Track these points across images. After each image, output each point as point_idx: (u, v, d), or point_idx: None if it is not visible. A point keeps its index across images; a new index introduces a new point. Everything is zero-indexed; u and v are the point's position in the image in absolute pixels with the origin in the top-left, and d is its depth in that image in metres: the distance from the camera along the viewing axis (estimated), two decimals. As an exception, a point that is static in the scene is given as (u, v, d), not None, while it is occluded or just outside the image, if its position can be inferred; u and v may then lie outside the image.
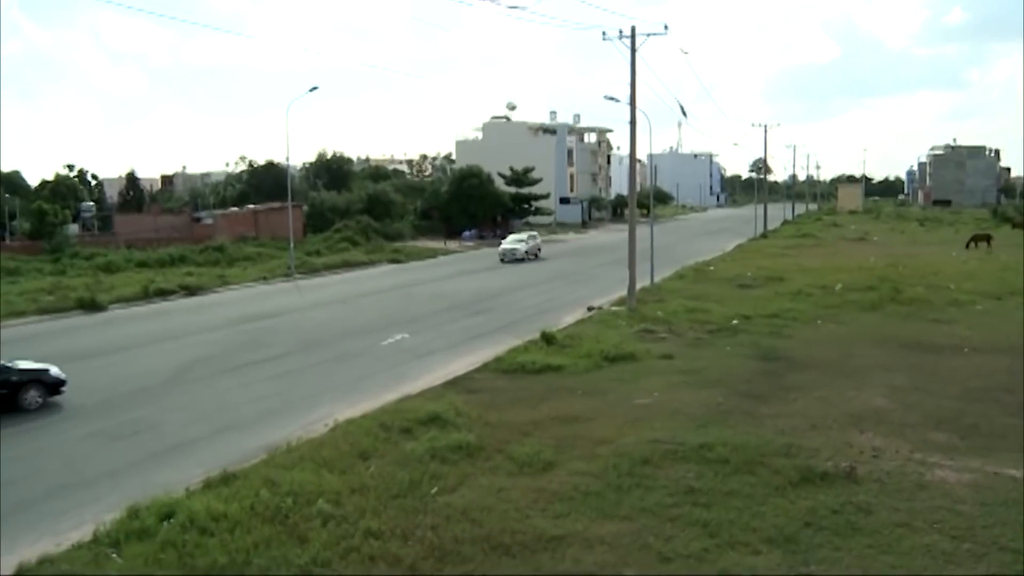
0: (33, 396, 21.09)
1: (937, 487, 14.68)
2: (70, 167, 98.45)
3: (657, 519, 13.38)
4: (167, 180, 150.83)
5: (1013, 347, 26.66)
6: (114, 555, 12.07)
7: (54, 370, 21.85)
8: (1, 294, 39.07)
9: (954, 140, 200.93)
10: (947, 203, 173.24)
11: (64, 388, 21.82)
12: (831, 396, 20.94)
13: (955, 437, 17.52)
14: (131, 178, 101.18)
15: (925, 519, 13.28)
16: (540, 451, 16.46)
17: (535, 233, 67.57)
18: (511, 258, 59.73)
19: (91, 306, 37.02)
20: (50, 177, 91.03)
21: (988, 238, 64.79)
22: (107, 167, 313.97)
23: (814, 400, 20.61)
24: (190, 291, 42.94)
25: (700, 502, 13.98)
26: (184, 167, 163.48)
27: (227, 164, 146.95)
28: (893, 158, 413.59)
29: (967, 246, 63.73)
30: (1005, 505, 13.79)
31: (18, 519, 14.25)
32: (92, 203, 76.34)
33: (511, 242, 62.86)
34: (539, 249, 64.03)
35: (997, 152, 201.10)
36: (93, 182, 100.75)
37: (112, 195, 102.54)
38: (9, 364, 21.34)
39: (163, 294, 41.50)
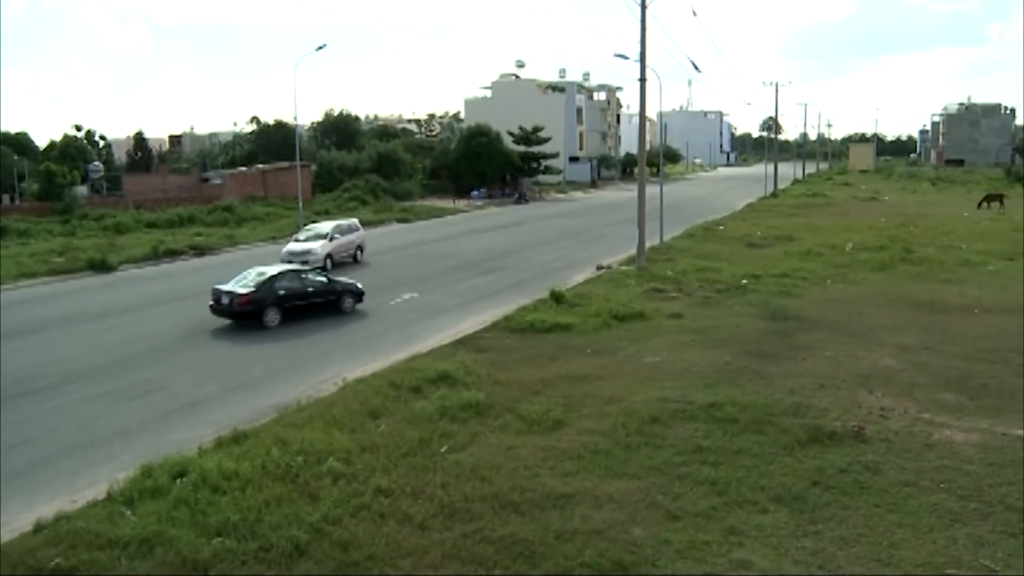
0: (349, 303, 28.17)
1: (944, 447, 14.71)
2: (78, 128, 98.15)
3: (665, 477, 13.46)
4: (175, 140, 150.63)
5: (1024, 307, 26.56)
6: (128, 513, 12.21)
7: (360, 284, 29.00)
8: (12, 256, 39.23)
9: (968, 98, 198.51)
10: (960, 163, 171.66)
11: (363, 298, 28.62)
12: (840, 356, 20.94)
13: (963, 397, 17.53)
14: (139, 138, 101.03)
15: (932, 478, 13.33)
16: (549, 410, 16.55)
17: (355, 221, 42.81)
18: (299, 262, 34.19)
19: (101, 267, 37.13)
20: (58, 138, 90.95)
21: (1001, 198, 64.25)
22: (115, 128, 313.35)
23: (823, 360, 20.61)
24: (199, 251, 43.03)
25: (708, 461, 14.05)
26: (192, 127, 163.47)
27: (235, 124, 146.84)
28: (906, 117, 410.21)
29: (979, 206, 63.25)
30: (1012, 465, 13.82)
31: (35, 477, 14.43)
32: (100, 164, 75.89)
33: (304, 240, 39.18)
34: (360, 249, 40.78)
35: (1013, 110, 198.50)
36: (101, 143, 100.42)
37: (120, 156, 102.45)
38: (335, 279, 28.81)
39: (172, 254, 41.59)
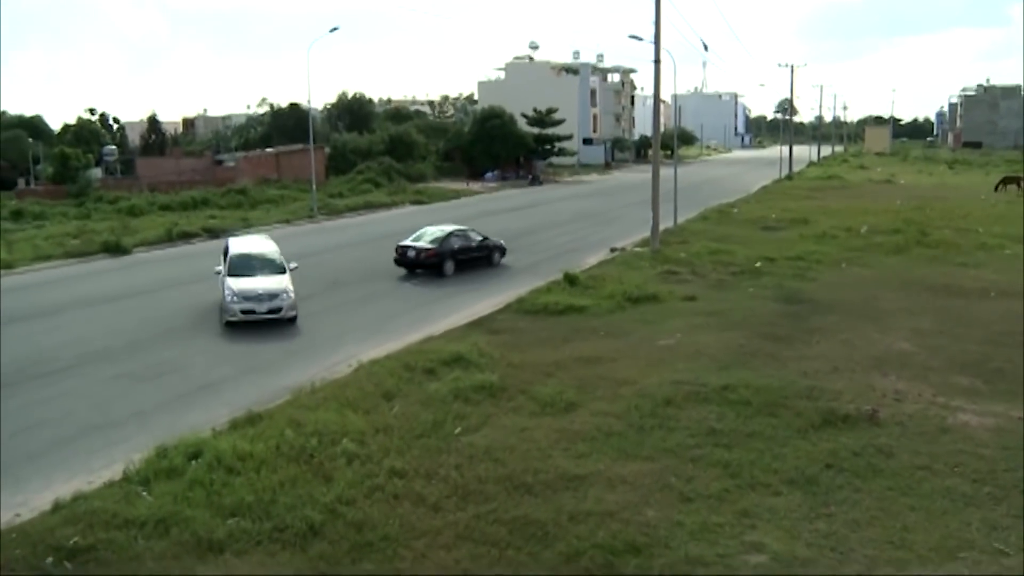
0: (497, 257, 33.30)
1: (959, 431, 14.67)
2: (92, 111, 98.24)
3: (678, 459, 13.48)
4: (188, 123, 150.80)
5: (1040, 291, 26.39)
6: (144, 493, 12.32)
7: (503, 242, 33.99)
8: (28, 239, 39.46)
9: (987, 80, 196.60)
10: (978, 145, 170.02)
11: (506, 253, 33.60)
12: (854, 339, 20.87)
13: (978, 381, 17.46)
14: (153, 121, 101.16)
15: (946, 462, 13.30)
16: (563, 391, 16.58)
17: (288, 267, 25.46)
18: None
19: (116, 249, 37.26)
20: (72, 121, 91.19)
21: (1018, 181, 63.72)
22: (129, 111, 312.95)
23: (837, 343, 20.55)
24: (213, 234, 43.05)
25: (722, 443, 14.06)
26: (205, 110, 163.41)
27: (248, 107, 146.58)
28: (923, 99, 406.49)
29: (996, 189, 62.77)
30: (1028, 448, 13.77)
31: (52, 457, 14.56)
32: (114, 147, 76.05)
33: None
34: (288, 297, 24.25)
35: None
36: (115, 126, 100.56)
37: (134, 139, 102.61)
38: (488, 238, 33.40)
39: (187, 237, 41.66)
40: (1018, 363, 18.71)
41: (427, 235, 31.99)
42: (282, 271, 24.76)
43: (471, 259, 32.16)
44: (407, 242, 31.75)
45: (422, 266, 31.17)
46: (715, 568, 10.32)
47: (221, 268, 25.07)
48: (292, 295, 23.84)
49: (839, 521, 11.46)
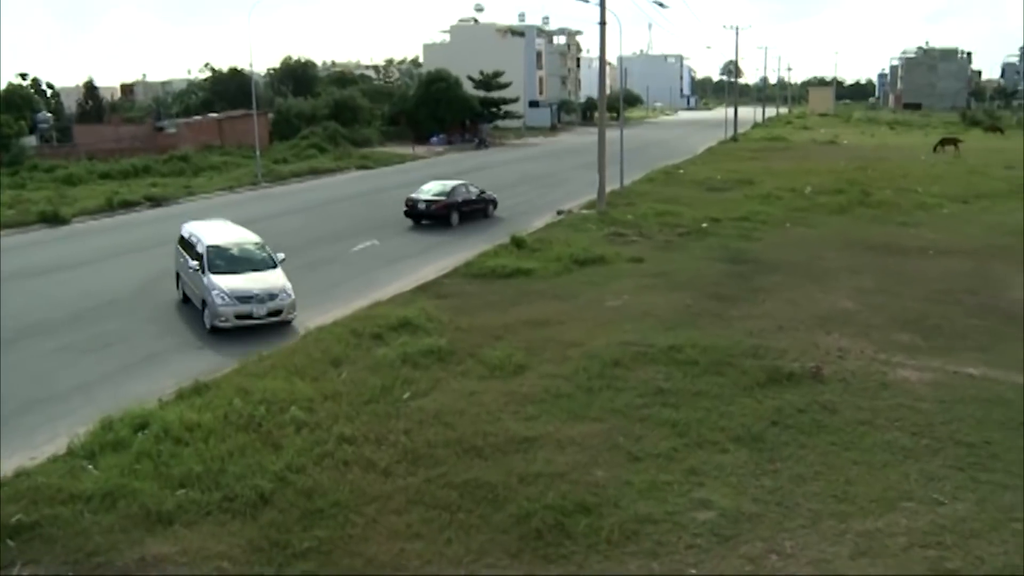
0: (491, 209, 36.45)
1: (899, 386, 15.03)
2: (23, 76, 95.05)
3: (627, 420, 13.62)
4: (127, 89, 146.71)
5: (977, 250, 27.10)
6: (89, 467, 12.12)
7: (496, 196, 37.28)
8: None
9: (926, 43, 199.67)
10: (918, 106, 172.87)
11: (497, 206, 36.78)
12: (799, 298, 21.21)
13: (918, 337, 17.88)
14: (89, 87, 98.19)
15: (887, 417, 13.64)
16: (511, 354, 16.63)
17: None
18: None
19: (54, 220, 36.32)
20: (2, 87, 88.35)
21: (956, 142, 64.94)
22: (63, 76, 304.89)
23: (782, 302, 20.87)
24: (155, 202, 42.24)
25: (669, 403, 14.23)
26: (144, 75, 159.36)
27: (189, 72, 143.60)
28: (866, 61, 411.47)
29: (935, 150, 63.91)
30: (963, 402, 14.19)
31: (-10, 432, 14.22)
32: (49, 114, 73.86)
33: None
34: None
35: (969, 55, 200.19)
36: (49, 92, 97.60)
37: (70, 105, 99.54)
38: (484, 192, 36.59)
39: (128, 206, 40.76)
40: (955, 319, 19.23)
41: (434, 189, 34.99)
42: (273, 265, 21.21)
43: (472, 211, 35.31)
44: (416, 195, 34.71)
45: (432, 217, 34.01)
46: (664, 526, 10.48)
47: (193, 263, 20.93)
48: (292, 293, 20.46)
49: (784, 476, 11.70)
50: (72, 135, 67.87)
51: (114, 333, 20.03)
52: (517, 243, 27.69)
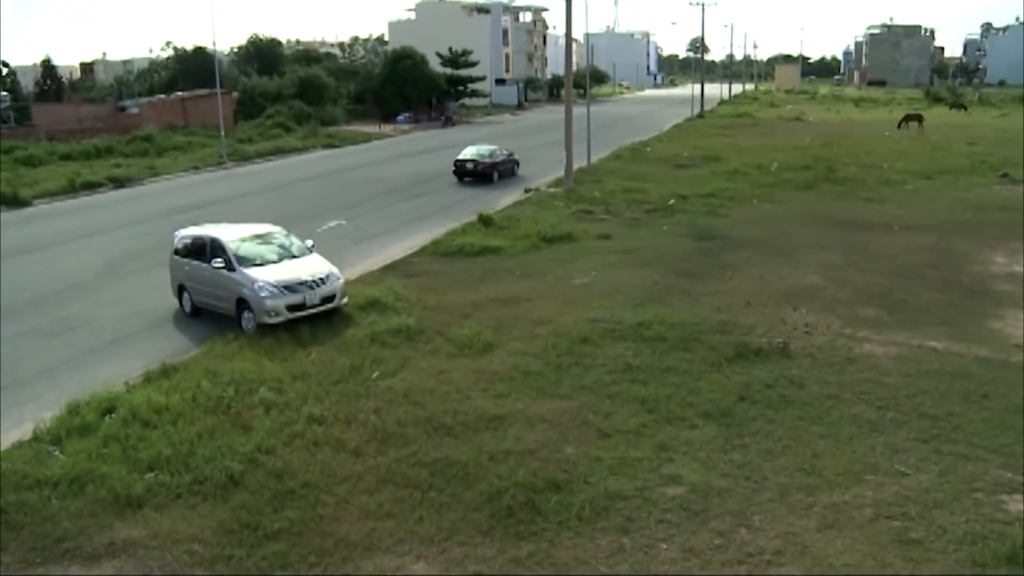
0: (516, 169, 42.61)
1: (865, 360, 15.21)
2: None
3: (596, 396, 13.69)
4: (87, 68, 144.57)
5: (941, 225, 27.44)
6: (56, 452, 11.99)
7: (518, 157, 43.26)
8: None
9: (891, 19, 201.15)
10: (882, 83, 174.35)
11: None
12: (766, 274, 21.38)
13: (883, 312, 18.09)
14: (47, 66, 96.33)
15: (853, 391, 13.80)
16: (480, 333, 16.63)
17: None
18: None
19: (14, 202, 35.68)
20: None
21: (919, 118, 65.55)
22: (19, 55, 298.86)
23: (749, 278, 21.02)
24: (119, 183, 41.64)
25: (638, 379, 14.31)
26: (104, 54, 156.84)
27: (151, 50, 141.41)
28: (831, 38, 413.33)
29: (899, 126, 64.48)
30: (927, 376, 14.39)
31: (-47, 418, 14.02)
32: (5, 93, 72.46)
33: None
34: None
35: (932, 32, 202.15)
36: (4, 70, 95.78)
37: (27, 85, 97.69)
38: (512, 153, 43.00)
39: (90, 187, 40.17)
40: (919, 294, 19.48)
41: (477, 152, 41.21)
42: (308, 251, 19.65)
43: (506, 171, 41.34)
44: (463, 157, 40.75)
45: (479, 175, 40.04)
46: (634, 501, 10.55)
47: (215, 262, 18.41)
48: (340, 275, 18.94)
49: (753, 451, 11.82)
50: (31, 115, 66.62)
51: (78, 316, 19.78)
52: (484, 221, 27.66)
